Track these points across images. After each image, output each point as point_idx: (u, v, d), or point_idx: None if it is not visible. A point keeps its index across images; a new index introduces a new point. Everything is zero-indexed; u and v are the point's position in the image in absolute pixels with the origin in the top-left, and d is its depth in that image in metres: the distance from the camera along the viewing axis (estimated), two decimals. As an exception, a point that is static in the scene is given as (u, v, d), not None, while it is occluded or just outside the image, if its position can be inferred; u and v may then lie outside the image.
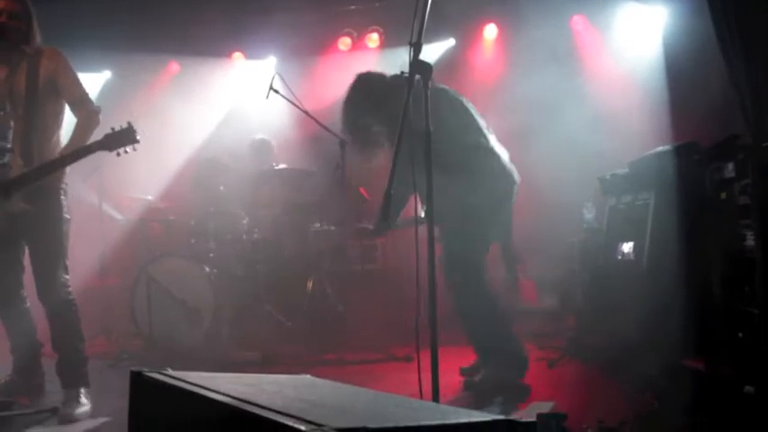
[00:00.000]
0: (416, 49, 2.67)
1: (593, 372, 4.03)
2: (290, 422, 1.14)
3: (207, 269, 4.84)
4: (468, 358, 4.22)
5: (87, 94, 3.60)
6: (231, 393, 1.33)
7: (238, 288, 5.12)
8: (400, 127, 2.58)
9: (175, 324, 4.75)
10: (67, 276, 3.61)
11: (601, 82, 5.80)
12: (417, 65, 2.65)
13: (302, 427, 1.08)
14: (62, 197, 3.60)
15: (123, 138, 3.39)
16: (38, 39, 3.61)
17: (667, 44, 5.60)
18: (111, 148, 3.40)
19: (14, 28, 3.50)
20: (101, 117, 3.59)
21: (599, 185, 4.54)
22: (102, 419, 3.44)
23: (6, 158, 3.51)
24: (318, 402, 1.38)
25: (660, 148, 3.91)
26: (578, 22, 6.36)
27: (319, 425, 1.14)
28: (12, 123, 3.53)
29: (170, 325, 4.74)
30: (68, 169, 3.59)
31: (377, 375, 4.25)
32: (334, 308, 5.23)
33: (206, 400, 1.32)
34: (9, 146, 3.44)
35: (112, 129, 3.41)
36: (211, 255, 5.10)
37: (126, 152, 3.43)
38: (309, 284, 5.13)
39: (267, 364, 4.56)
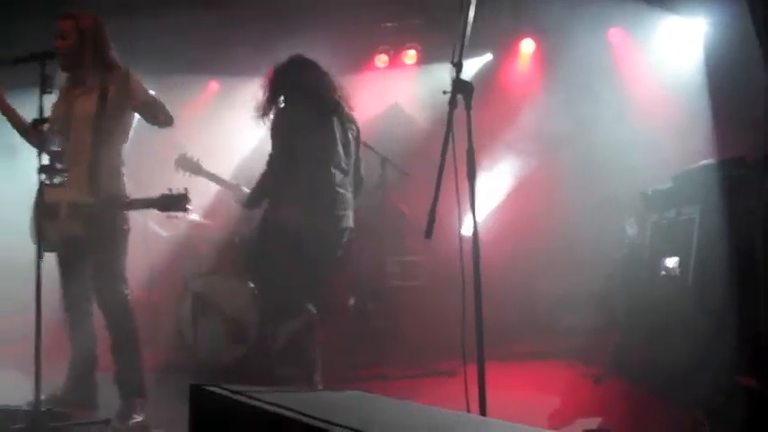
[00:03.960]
0: (458, 68, 2.72)
1: (640, 388, 3.98)
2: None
3: (251, 285, 4.91)
4: (514, 373, 4.23)
5: (158, 101, 3.67)
6: (295, 408, 1.36)
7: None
8: (443, 144, 2.62)
9: (220, 339, 4.82)
10: (127, 289, 3.71)
11: (640, 95, 5.76)
12: (459, 84, 2.70)
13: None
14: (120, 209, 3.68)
15: (175, 203, 3.50)
16: (106, 56, 3.67)
17: (709, 55, 5.54)
18: (162, 209, 3.52)
19: (65, 48, 3.59)
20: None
21: (641, 200, 4.51)
22: (153, 431, 3.52)
23: (57, 180, 3.62)
24: (380, 419, 1.41)
25: (704, 162, 3.87)
26: (615, 34, 6.33)
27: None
28: (72, 146, 3.65)
29: (215, 340, 4.81)
30: (127, 182, 3.72)
31: (420, 391, 4.26)
32: (376, 324, 5.25)
33: (272, 415, 1.36)
34: (64, 167, 3.56)
35: (169, 190, 3.51)
36: (255, 271, 5.16)
37: (176, 217, 3.55)
38: (351, 301, 5.17)
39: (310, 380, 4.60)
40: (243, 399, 1.51)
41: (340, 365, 4.89)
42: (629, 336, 4.40)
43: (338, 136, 4.06)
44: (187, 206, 3.51)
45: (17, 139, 5.97)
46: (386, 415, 1.46)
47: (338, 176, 4.02)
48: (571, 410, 3.73)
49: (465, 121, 2.70)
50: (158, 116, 3.66)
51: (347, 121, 4.17)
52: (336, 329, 5.22)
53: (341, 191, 4.02)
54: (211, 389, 1.66)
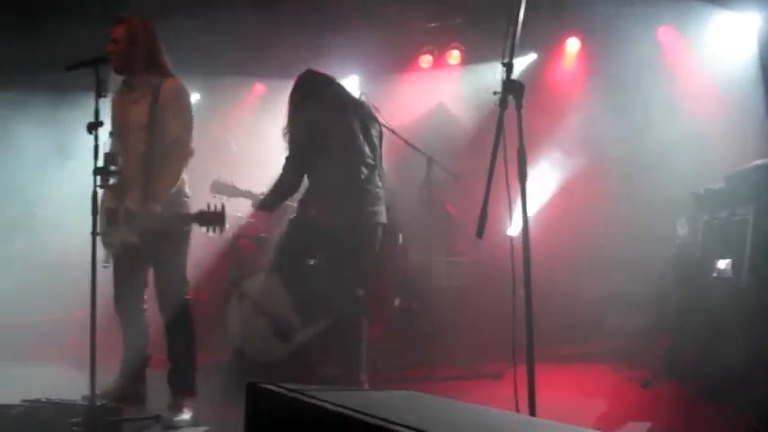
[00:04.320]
0: (508, 69, 2.72)
1: (691, 393, 3.90)
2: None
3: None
4: (559, 376, 4.17)
5: (185, 136, 3.68)
6: (352, 406, 1.37)
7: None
8: (494, 144, 2.61)
9: (266, 338, 4.87)
10: (187, 290, 3.80)
11: (692, 93, 5.63)
12: (509, 85, 2.69)
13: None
14: (181, 209, 3.75)
15: (211, 221, 3.54)
16: (157, 60, 3.73)
17: (763, 50, 5.38)
18: (201, 224, 3.58)
19: (116, 53, 3.65)
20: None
21: (693, 200, 4.42)
22: (202, 428, 3.57)
23: (111, 181, 3.70)
24: (439, 419, 1.41)
25: (758, 162, 3.79)
26: (665, 32, 6.20)
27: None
28: (120, 147, 3.74)
29: (261, 339, 4.86)
30: (187, 181, 3.79)
31: (465, 392, 4.24)
32: (421, 324, 5.24)
33: (330, 413, 1.37)
34: (117, 169, 3.64)
35: (208, 206, 3.57)
36: (301, 271, 5.20)
37: (213, 232, 3.58)
38: (396, 301, 5.17)
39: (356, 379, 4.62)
40: (299, 397, 1.53)
41: (385, 365, 4.91)
42: (679, 338, 4.32)
43: (359, 132, 4.10)
44: (224, 225, 3.55)
45: (68, 139, 6.16)
46: (443, 415, 1.46)
47: (364, 173, 4.04)
48: (619, 414, 3.67)
49: (515, 121, 2.69)
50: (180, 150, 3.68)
51: (368, 117, 4.21)
52: (382, 329, 5.23)
53: (368, 187, 4.05)
54: (268, 387, 1.68)
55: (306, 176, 4.16)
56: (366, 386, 4.00)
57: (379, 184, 4.15)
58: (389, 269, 5.26)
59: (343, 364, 4.19)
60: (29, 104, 6.17)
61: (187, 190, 3.82)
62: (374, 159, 4.15)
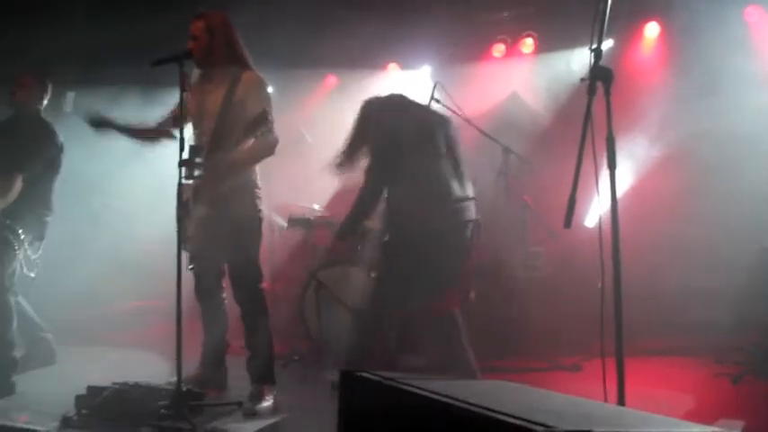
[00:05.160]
0: (597, 54, 2.64)
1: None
2: (520, 423, 1.16)
3: (373, 275, 4.97)
4: (641, 370, 4.06)
5: (269, 122, 3.68)
6: (449, 394, 1.37)
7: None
8: (583, 132, 2.54)
9: (344, 328, 4.91)
10: (262, 280, 3.87)
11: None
12: (598, 70, 2.62)
13: (538, 429, 1.09)
14: (253, 200, 3.82)
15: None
16: (236, 53, 3.81)
17: None
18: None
19: (197, 48, 3.72)
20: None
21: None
22: (281, 415, 3.64)
23: (197, 173, 3.79)
24: (531, 405, 1.39)
25: None
26: (753, 13, 5.90)
27: (549, 426, 1.15)
28: (204, 140, 3.83)
29: (339, 329, 4.90)
30: (258, 173, 3.85)
31: (543, 384, 4.16)
32: (498, 316, 5.19)
33: (427, 400, 1.37)
34: (202, 161, 3.73)
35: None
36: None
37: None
38: (473, 293, 5.12)
39: (433, 370, 4.60)
40: (399, 385, 1.53)
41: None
42: (769, 334, 4.14)
43: (430, 139, 4.01)
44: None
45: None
46: (549, 406, 1.44)
47: (445, 177, 3.95)
48: (709, 410, 3.55)
49: (599, 108, 2.61)
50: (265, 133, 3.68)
51: (438, 123, 4.13)
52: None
53: (449, 188, 3.95)
54: (362, 375, 1.69)
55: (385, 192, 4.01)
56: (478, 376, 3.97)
57: (460, 184, 4.04)
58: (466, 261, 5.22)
59: (454, 360, 4.09)
60: (122, 98, 6.38)
61: (258, 181, 3.88)
62: (451, 159, 4.04)
